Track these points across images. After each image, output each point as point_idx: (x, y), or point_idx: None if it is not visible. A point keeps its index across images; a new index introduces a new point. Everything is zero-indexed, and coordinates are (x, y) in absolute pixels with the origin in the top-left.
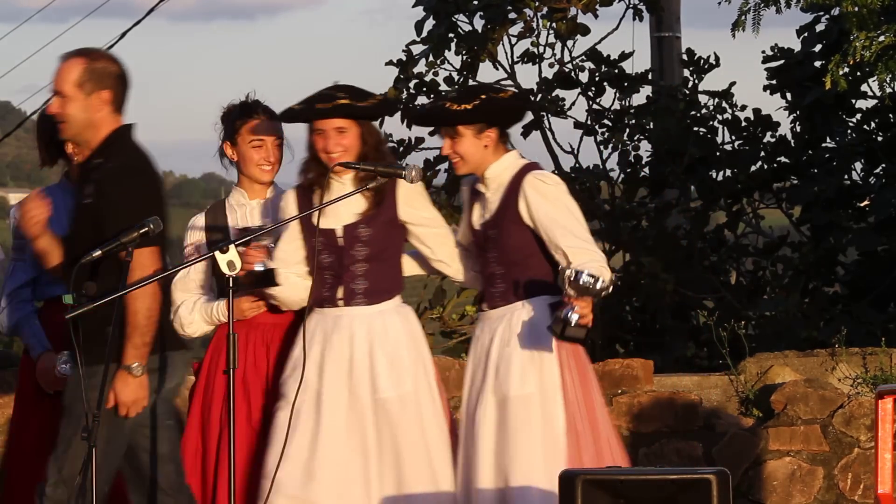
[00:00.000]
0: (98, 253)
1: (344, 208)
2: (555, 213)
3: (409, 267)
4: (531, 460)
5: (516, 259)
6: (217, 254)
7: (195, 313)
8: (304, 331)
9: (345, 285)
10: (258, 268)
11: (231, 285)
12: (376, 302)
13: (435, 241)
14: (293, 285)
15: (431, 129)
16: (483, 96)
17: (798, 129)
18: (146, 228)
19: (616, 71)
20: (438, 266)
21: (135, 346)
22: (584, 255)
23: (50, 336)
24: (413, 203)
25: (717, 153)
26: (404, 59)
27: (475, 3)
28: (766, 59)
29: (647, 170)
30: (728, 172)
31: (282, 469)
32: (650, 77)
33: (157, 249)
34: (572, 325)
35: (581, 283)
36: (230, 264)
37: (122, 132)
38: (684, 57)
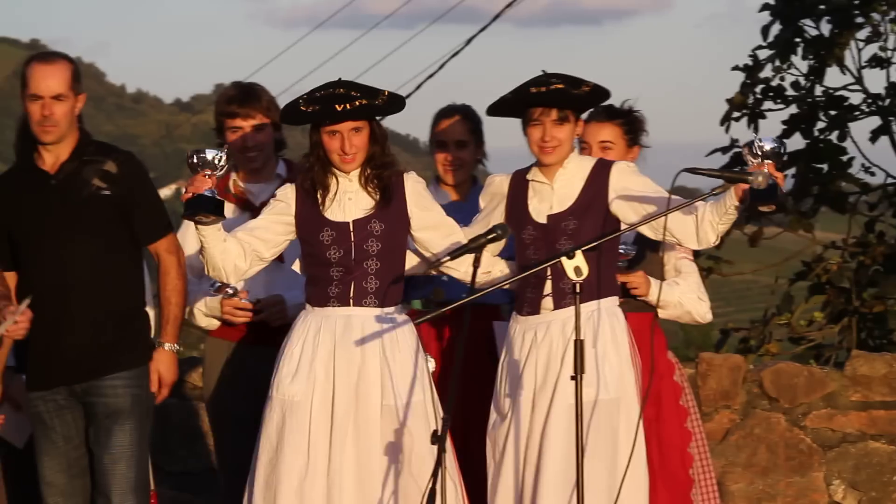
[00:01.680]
0: (446, 259)
1: (352, 203)
2: (650, 188)
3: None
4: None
5: (592, 253)
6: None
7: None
8: (292, 331)
9: (356, 283)
10: (207, 193)
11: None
12: (386, 304)
13: (441, 244)
14: (232, 246)
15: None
16: (587, 86)
17: None
18: (494, 234)
19: None
20: (444, 269)
21: (178, 328)
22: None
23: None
24: (421, 204)
25: None
26: (751, 63)
27: (822, 7)
28: None
29: None
30: None
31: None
32: None
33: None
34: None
35: (770, 149)
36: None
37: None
38: None
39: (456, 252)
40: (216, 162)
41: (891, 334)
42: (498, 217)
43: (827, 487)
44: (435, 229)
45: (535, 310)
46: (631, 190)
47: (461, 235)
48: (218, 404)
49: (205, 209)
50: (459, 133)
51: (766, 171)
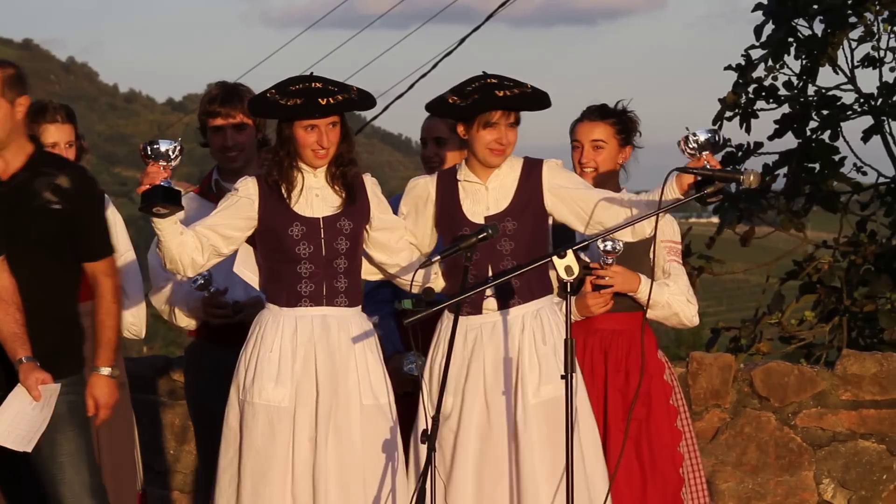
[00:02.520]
0: (437, 259)
1: (319, 199)
2: (580, 184)
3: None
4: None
5: (532, 253)
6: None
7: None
8: (262, 331)
9: (328, 282)
10: (163, 183)
11: None
12: (354, 304)
13: (397, 245)
14: (189, 240)
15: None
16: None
17: None
18: (485, 234)
19: None
20: (392, 271)
21: (113, 351)
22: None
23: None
24: (381, 206)
25: None
26: (743, 63)
27: (815, 7)
28: None
29: None
30: None
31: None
32: None
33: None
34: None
35: (706, 140)
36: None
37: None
38: None
39: (445, 252)
40: (170, 153)
41: (881, 333)
42: (426, 220)
43: (817, 486)
44: (391, 231)
45: (477, 310)
46: (563, 187)
47: (409, 236)
48: (200, 405)
49: (161, 200)
50: (439, 130)
51: (757, 170)
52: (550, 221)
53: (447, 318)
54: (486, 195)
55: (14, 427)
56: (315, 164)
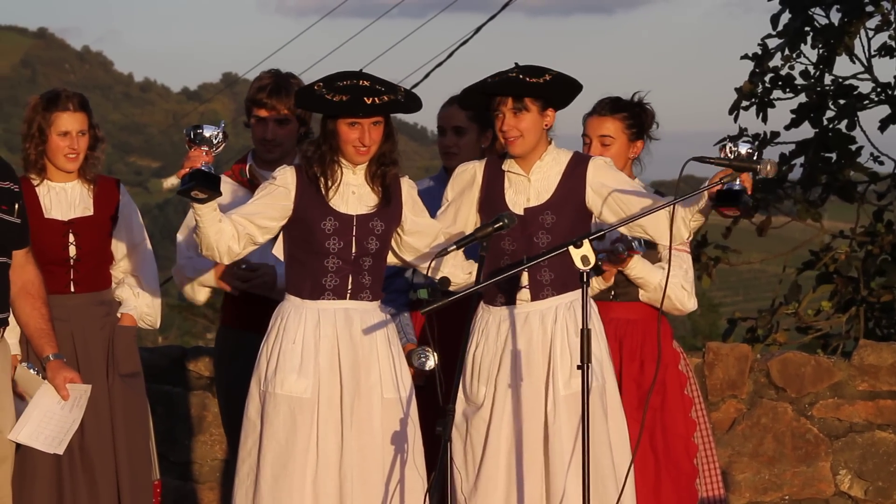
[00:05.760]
0: (453, 248)
1: (355, 197)
2: (626, 184)
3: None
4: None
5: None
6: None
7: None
8: (284, 322)
9: (354, 278)
10: (203, 168)
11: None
12: (376, 299)
13: (419, 246)
14: (227, 227)
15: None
16: (549, 76)
17: None
18: (501, 223)
19: None
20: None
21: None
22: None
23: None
24: (415, 209)
25: None
26: (760, 52)
27: None
28: None
29: None
30: None
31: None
32: None
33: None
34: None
35: (746, 152)
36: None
37: None
38: None
39: (461, 241)
40: (213, 139)
41: None
42: (468, 206)
43: (833, 477)
44: (424, 235)
45: (510, 301)
46: (607, 186)
47: (442, 239)
48: (231, 393)
49: (201, 184)
50: (457, 119)
51: (774, 160)
52: (594, 220)
53: (483, 309)
54: (528, 187)
55: (43, 428)
56: (356, 161)
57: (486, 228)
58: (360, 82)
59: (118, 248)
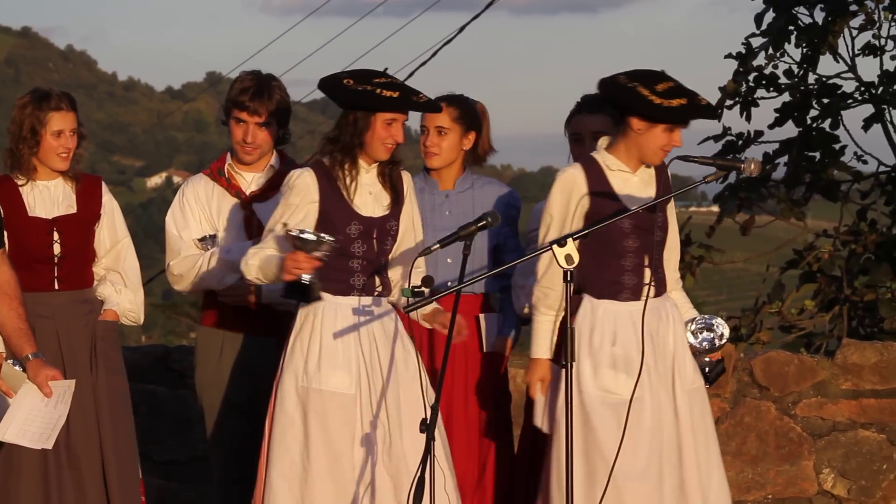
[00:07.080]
0: (436, 246)
1: (372, 198)
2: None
3: None
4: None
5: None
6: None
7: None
8: (316, 320)
9: (378, 276)
10: (304, 279)
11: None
12: (390, 295)
13: (406, 243)
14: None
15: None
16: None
17: None
18: (484, 222)
19: None
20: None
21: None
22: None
23: None
24: (415, 202)
25: None
26: (744, 51)
27: None
28: None
29: None
30: None
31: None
32: None
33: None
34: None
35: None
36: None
37: None
38: None
39: (445, 240)
40: (313, 249)
41: (881, 323)
42: (581, 215)
43: (817, 476)
44: (415, 229)
45: (636, 296)
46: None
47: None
48: (213, 392)
49: (302, 299)
50: (440, 120)
51: (758, 159)
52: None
53: (589, 301)
54: (636, 185)
55: (28, 426)
56: (382, 158)
57: (469, 227)
58: (393, 80)
59: (101, 245)
